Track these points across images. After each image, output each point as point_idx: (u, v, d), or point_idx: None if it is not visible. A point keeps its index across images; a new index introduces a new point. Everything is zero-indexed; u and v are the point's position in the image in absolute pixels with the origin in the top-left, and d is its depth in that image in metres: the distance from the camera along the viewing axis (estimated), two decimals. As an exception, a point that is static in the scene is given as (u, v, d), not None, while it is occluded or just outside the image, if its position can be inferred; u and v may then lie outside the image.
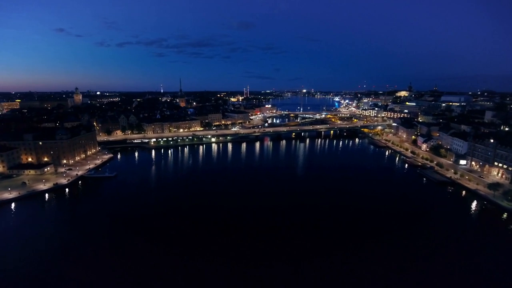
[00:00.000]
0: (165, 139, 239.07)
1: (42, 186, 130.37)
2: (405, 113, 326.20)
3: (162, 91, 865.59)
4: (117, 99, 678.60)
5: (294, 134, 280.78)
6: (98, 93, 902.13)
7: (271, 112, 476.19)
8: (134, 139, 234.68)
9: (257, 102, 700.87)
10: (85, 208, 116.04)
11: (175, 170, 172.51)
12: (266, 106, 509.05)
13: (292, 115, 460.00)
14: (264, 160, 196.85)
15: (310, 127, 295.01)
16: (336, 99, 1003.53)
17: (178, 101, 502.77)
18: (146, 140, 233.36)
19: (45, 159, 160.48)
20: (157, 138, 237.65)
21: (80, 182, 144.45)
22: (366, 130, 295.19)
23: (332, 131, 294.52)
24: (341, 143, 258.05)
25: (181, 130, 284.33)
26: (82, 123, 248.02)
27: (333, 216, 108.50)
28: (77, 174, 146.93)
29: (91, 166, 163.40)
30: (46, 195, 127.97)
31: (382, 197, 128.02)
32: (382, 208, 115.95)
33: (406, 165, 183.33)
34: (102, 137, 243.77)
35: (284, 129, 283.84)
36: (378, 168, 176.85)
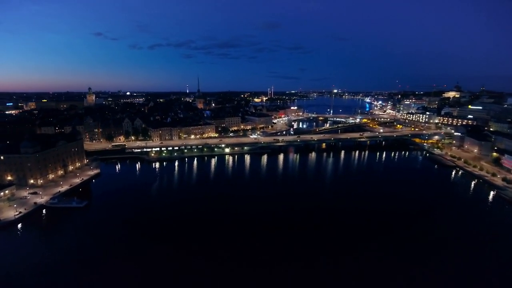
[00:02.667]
0: (170, 148, 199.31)
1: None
2: (469, 119, 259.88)
3: (187, 91, 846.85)
4: (142, 99, 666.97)
5: (324, 144, 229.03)
6: (128, 93, 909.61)
7: (297, 115, 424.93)
8: (134, 148, 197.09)
9: (281, 103, 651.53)
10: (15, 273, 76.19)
11: (173, 195, 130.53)
12: (292, 107, 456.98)
13: (321, 118, 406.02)
14: (289, 181, 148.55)
15: (348, 136, 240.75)
16: (367, 100, 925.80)
17: (196, 102, 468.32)
18: (148, 150, 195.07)
19: (9, 178, 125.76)
20: (160, 148, 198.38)
21: (43, 212, 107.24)
22: (417, 140, 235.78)
23: (368, 141, 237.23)
24: (386, 157, 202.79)
25: (193, 136, 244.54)
26: (78, 127, 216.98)
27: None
28: (35, 202, 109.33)
29: (64, 188, 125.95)
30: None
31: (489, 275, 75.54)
32: None
33: (492, 194, 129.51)
34: (102, 144, 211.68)
35: (315, 137, 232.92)
36: (455, 204, 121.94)
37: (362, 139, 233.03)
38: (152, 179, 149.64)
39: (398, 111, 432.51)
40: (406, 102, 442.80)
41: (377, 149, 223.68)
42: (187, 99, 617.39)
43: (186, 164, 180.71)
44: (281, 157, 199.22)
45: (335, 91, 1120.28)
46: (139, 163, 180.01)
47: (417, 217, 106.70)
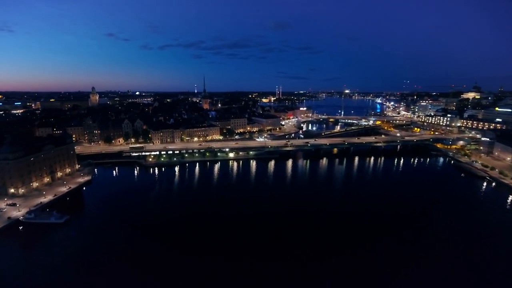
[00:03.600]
0: (170, 152, 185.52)
1: None
2: (497, 123, 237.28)
3: (196, 91, 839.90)
4: (150, 99, 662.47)
5: (336, 149, 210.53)
6: (137, 93, 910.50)
7: (306, 116, 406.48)
8: (131, 152, 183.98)
9: (289, 103, 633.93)
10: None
11: (170, 204, 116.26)
12: (301, 108, 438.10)
13: (331, 120, 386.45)
14: (298, 191, 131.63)
15: (363, 141, 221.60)
16: (378, 100, 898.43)
17: (201, 102, 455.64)
18: (146, 153, 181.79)
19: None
20: (159, 151, 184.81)
21: (20, 228, 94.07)
22: (439, 145, 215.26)
23: (383, 145, 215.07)
24: (406, 164, 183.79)
25: (196, 139, 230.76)
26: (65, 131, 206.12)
27: None
28: (9, 217, 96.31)
29: (47, 198, 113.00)
30: None
31: None
32: None
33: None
34: (100, 147, 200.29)
35: (326, 141, 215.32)
36: (491, 221, 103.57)
37: (378, 144, 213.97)
38: (148, 188, 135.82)
39: (414, 113, 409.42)
40: (422, 104, 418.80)
41: (395, 155, 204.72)
42: (194, 99, 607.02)
43: (187, 170, 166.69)
44: (289, 163, 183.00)
45: (347, 91, 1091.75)
46: (137, 168, 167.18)
47: (452, 233, 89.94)
